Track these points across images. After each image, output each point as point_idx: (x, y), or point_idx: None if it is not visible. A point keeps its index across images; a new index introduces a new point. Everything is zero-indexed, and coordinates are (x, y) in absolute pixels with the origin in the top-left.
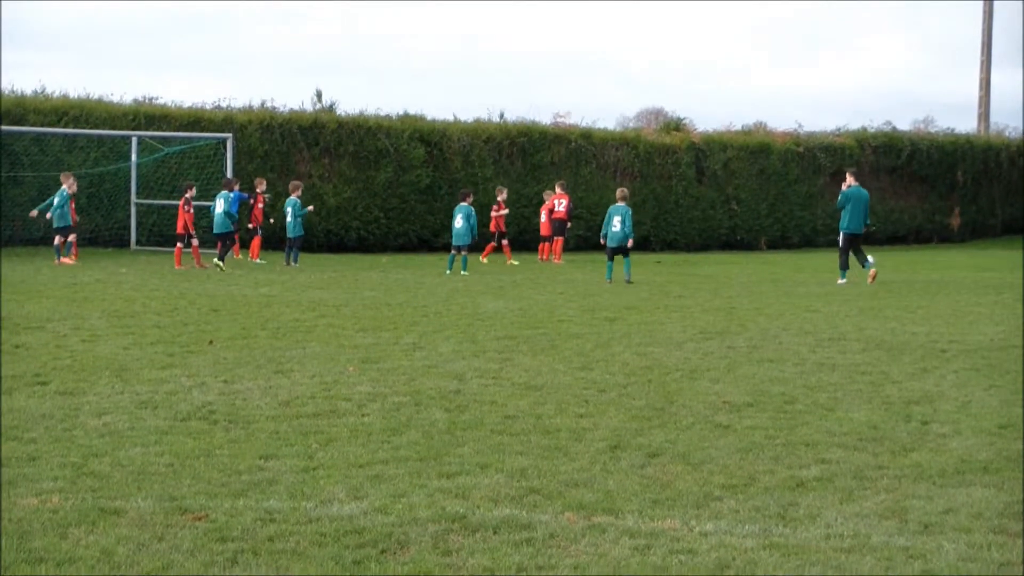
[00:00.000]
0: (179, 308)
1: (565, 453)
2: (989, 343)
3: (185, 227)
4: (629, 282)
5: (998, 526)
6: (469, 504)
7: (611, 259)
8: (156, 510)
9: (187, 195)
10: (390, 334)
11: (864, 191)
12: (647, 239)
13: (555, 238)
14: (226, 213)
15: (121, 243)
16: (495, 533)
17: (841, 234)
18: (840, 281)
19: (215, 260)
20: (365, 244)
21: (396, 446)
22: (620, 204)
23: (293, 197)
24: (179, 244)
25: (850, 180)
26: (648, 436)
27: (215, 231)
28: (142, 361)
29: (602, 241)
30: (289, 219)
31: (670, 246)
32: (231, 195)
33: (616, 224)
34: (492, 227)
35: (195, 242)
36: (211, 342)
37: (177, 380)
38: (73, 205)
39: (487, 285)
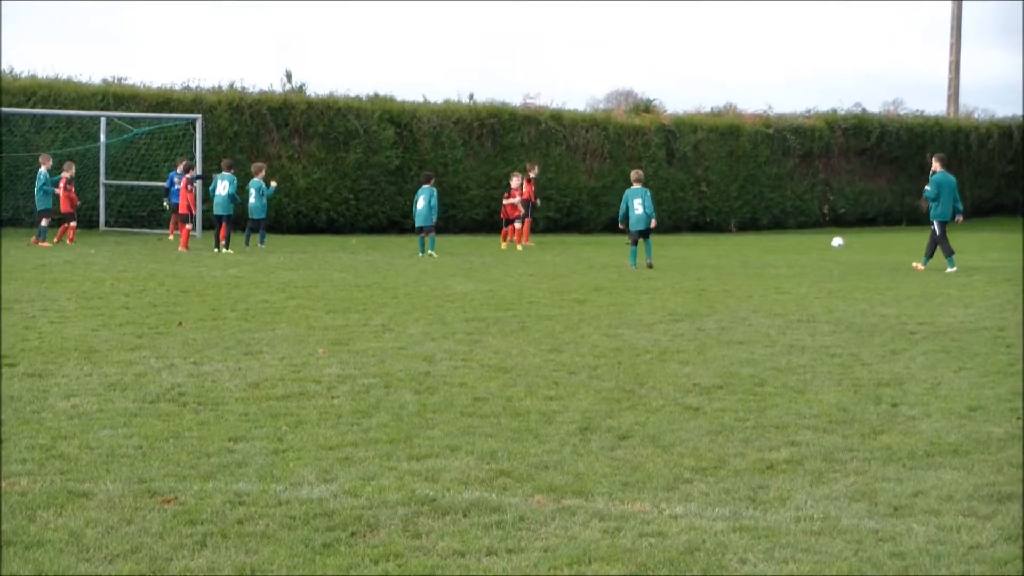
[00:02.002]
0: (148, 289)
1: (535, 435)
2: (959, 325)
3: (188, 207)
4: (651, 265)
5: (967, 508)
6: (439, 487)
7: (635, 244)
8: (125, 493)
9: (188, 175)
10: (360, 316)
11: (951, 176)
12: (616, 220)
13: (524, 219)
14: (230, 196)
15: (90, 224)
16: (465, 516)
17: (935, 223)
18: (950, 269)
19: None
20: (335, 225)
21: (366, 428)
22: (637, 187)
23: (256, 179)
24: (186, 225)
25: (936, 166)
26: (618, 418)
27: (216, 213)
28: (111, 343)
29: (621, 226)
30: (252, 200)
31: None
32: (234, 177)
33: (637, 207)
34: (504, 213)
35: (189, 225)
36: (180, 324)
37: (146, 362)
38: (70, 188)
39: (456, 267)
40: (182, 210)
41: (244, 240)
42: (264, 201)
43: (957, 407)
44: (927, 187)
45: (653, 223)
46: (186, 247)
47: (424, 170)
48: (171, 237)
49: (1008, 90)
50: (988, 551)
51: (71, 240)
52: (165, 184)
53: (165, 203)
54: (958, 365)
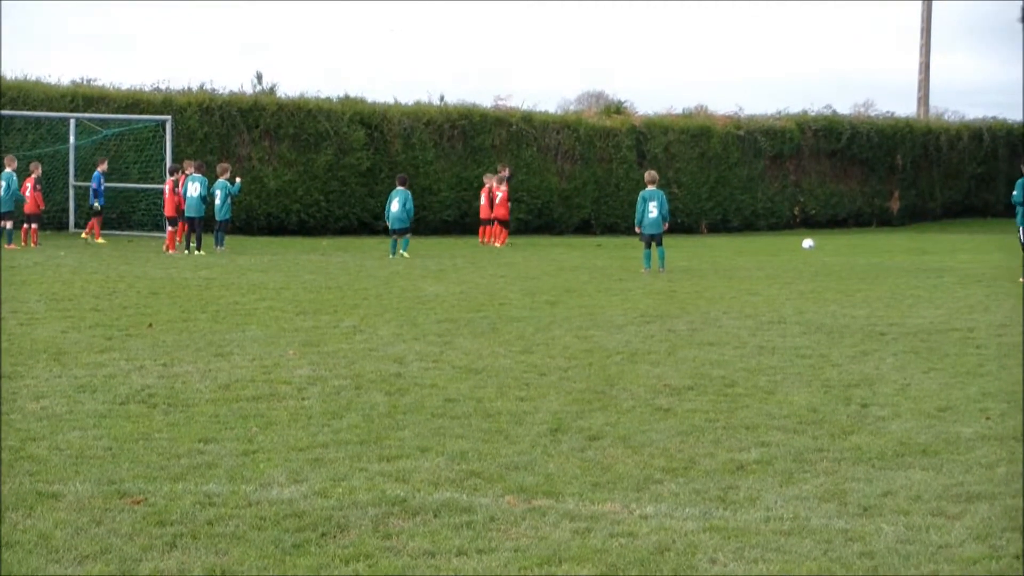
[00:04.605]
0: (118, 291)
1: (506, 436)
2: (929, 326)
3: (176, 209)
4: (663, 270)
5: (936, 508)
6: (409, 487)
7: (648, 247)
8: (94, 494)
9: (173, 177)
10: (330, 317)
11: None
12: (588, 222)
13: (499, 226)
14: (202, 197)
15: (60, 226)
16: (435, 516)
17: (1021, 230)
18: None
19: (192, 247)
20: (306, 227)
21: (336, 429)
22: (652, 188)
23: (221, 180)
24: (170, 228)
25: None
26: (589, 419)
27: (187, 214)
28: (80, 344)
29: (637, 229)
30: (218, 202)
31: (611, 229)
32: (204, 178)
33: (653, 210)
34: (494, 212)
35: (170, 229)
36: (150, 325)
37: (116, 363)
38: (38, 189)
39: (428, 269)
40: (170, 212)
41: (214, 242)
42: (229, 202)
43: (927, 407)
44: (1015, 192)
45: (666, 226)
46: (174, 248)
47: (395, 171)
48: (85, 236)
49: (977, 92)
50: (957, 550)
51: (35, 243)
52: (94, 185)
53: (96, 204)
54: (928, 366)
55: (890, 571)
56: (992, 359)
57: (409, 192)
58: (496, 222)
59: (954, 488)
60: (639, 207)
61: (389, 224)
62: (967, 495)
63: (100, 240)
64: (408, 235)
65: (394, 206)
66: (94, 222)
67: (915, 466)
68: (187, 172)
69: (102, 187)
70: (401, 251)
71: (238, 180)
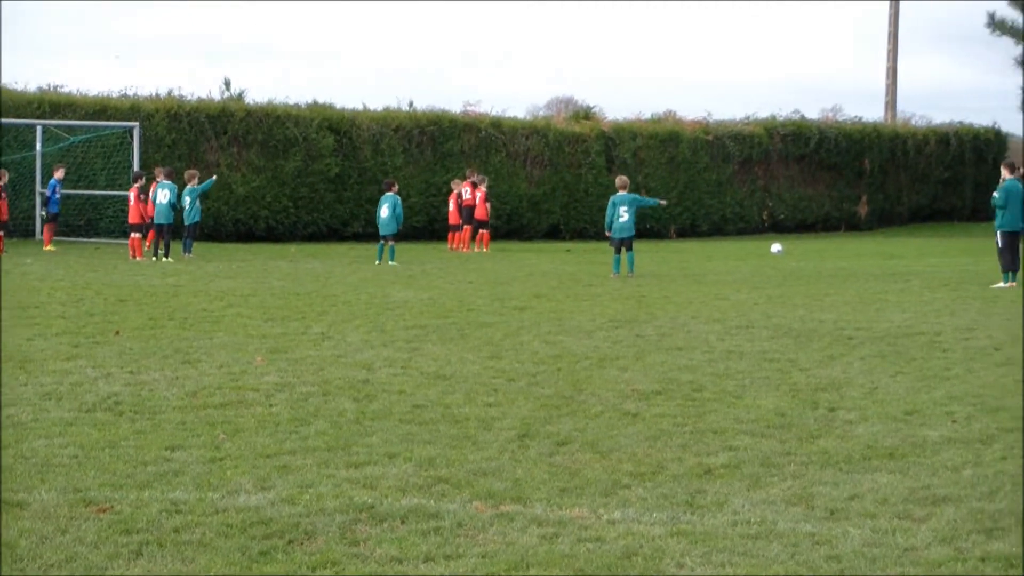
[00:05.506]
0: (85, 298)
1: (473, 442)
2: (896, 330)
3: (141, 216)
4: (632, 275)
5: (903, 511)
6: (377, 494)
7: (618, 252)
8: (60, 502)
9: (137, 184)
10: (298, 324)
11: (1020, 184)
12: (557, 227)
13: (480, 229)
14: (171, 204)
15: (26, 233)
16: (403, 523)
17: (999, 233)
18: (1001, 285)
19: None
20: (274, 233)
21: (304, 436)
22: (623, 193)
23: (190, 186)
24: (135, 234)
25: (1006, 173)
26: (557, 424)
27: (156, 221)
28: (46, 352)
29: (607, 233)
30: (187, 208)
31: (580, 235)
32: (173, 185)
33: (624, 214)
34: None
35: (137, 235)
36: (117, 332)
37: (82, 371)
38: (3, 197)
39: (396, 275)
40: (134, 219)
41: (182, 248)
42: (198, 204)
43: (893, 411)
44: (995, 194)
45: (663, 202)
46: (141, 256)
47: (364, 177)
48: (47, 248)
49: (945, 96)
50: (923, 553)
51: (0, 251)
52: (47, 192)
53: (44, 212)
54: (895, 370)
55: (857, 574)
56: (958, 363)
57: (399, 198)
58: (475, 225)
59: (920, 491)
60: (609, 211)
61: (379, 229)
62: (933, 498)
63: (50, 248)
64: (392, 242)
65: (383, 212)
66: (46, 229)
67: (882, 469)
68: (158, 179)
69: (57, 194)
70: (389, 260)
71: (213, 176)
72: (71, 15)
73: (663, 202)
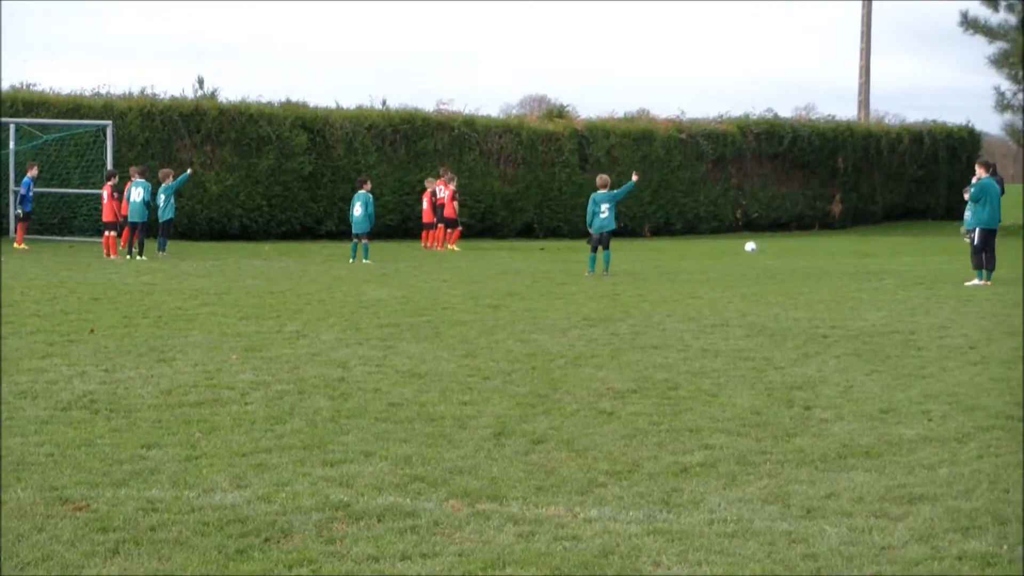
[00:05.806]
0: (59, 297)
1: (449, 440)
2: (870, 328)
3: (115, 214)
4: (607, 274)
5: (879, 510)
6: (353, 492)
7: (595, 250)
8: (36, 500)
9: (111, 182)
10: (273, 322)
11: (995, 183)
12: (531, 226)
13: (451, 229)
14: (145, 202)
15: None
16: (379, 521)
17: (977, 231)
18: (976, 282)
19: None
20: (248, 232)
21: (279, 435)
22: (604, 191)
23: (165, 184)
24: (108, 233)
25: (981, 172)
26: (532, 423)
27: (130, 220)
28: (21, 351)
29: (590, 230)
30: (161, 205)
31: (554, 233)
32: (148, 184)
33: (604, 211)
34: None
35: (111, 233)
36: (92, 331)
37: (57, 369)
38: None
39: (371, 273)
40: (108, 218)
41: (156, 247)
42: (172, 201)
43: (869, 410)
44: (971, 187)
45: (635, 177)
46: (115, 254)
47: (337, 175)
48: (19, 246)
49: (918, 95)
50: (899, 552)
51: None
52: (22, 191)
53: (19, 211)
54: (870, 368)
55: (833, 572)
56: (933, 361)
57: (371, 196)
58: (444, 223)
59: (896, 490)
60: (590, 209)
61: (353, 228)
62: (909, 497)
63: (22, 246)
64: (366, 240)
65: (356, 210)
66: (19, 228)
67: (858, 468)
68: (133, 178)
69: (30, 193)
70: (363, 259)
71: (188, 171)
72: (41, 14)
73: (635, 178)
